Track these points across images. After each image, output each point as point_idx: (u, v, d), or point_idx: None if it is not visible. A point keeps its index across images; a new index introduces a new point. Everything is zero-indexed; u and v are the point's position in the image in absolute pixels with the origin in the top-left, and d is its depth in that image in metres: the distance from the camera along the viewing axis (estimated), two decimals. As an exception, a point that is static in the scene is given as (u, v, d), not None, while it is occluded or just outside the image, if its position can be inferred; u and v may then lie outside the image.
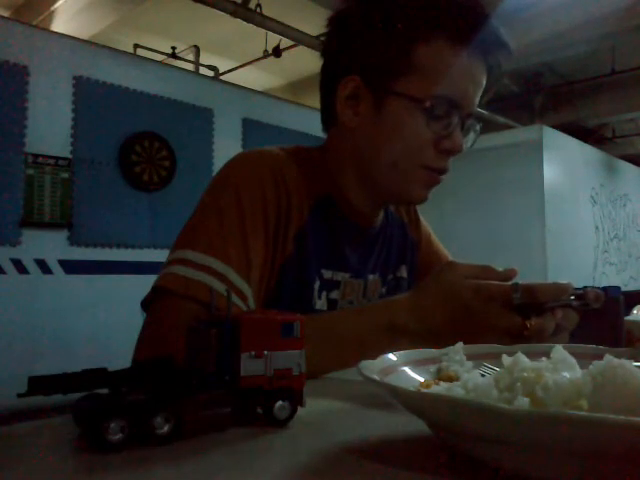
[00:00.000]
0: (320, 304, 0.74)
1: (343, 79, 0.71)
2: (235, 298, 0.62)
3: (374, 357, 0.41)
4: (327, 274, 0.74)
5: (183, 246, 0.65)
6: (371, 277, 0.82)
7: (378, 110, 0.70)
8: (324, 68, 0.76)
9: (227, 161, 0.74)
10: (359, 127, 0.72)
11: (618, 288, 0.74)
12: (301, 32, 3.99)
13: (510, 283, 0.59)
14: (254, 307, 0.66)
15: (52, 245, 2.89)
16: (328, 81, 0.75)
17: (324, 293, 0.74)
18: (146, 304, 0.67)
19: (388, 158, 0.71)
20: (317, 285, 0.73)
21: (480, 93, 0.73)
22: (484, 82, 0.73)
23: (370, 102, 0.70)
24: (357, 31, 0.71)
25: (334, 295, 0.75)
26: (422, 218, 0.97)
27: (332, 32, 0.75)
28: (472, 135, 0.75)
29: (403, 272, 0.89)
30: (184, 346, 0.43)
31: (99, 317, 2.90)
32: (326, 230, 0.75)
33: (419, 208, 0.97)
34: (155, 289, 0.65)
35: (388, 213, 0.88)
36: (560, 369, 0.37)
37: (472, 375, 0.39)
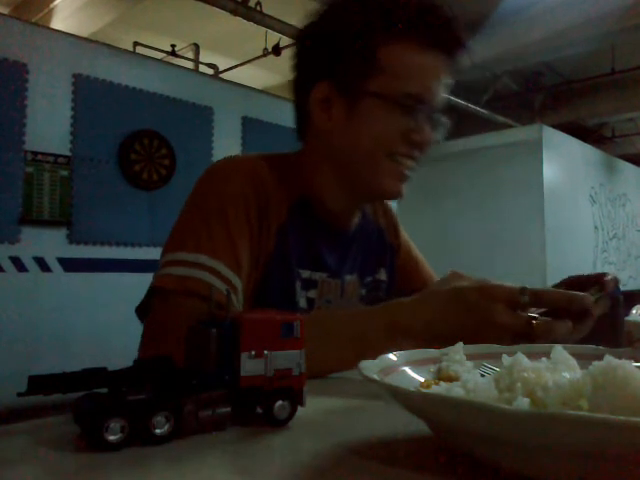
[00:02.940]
0: (301, 302, 0.76)
1: (315, 85, 0.75)
2: (218, 281, 0.64)
3: (374, 357, 0.41)
4: (305, 274, 0.77)
5: (173, 249, 0.68)
6: (348, 278, 0.84)
7: (350, 111, 0.74)
8: (296, 77, 0.80)
9: (207, 167, 0.78)
10: (333, 129, 0.76)
11: (618, 288, 0.74)
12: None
13: (518, 286, 0.59)
14: (242, 301, 0.68)
15: (51, 243, 2.89)
16: (300, 88, 0.79)
17: (303, 292, 0.76)
18: (141, 309, 0.68)
19: (361, 154, 0.74)
20: (298, 284, 0.75)
21: (442, 88, 0.76)
22: (445, 77, 0.77)
23: (342, 104, 0.74)
24: (325, 38, 0.76)
25: (312, 294, 0.78)
26: (402, 229, 1.00)
27: (301, 41, 0.79)
28: (442, 128, 0.78)
29: (382, 275, 0.91)
30: (184, 345, 0.43)
31: (98, 315, 2.90)
32: (303, 231, 0.77)
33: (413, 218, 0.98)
34: (151, 293, 0.67)
35: (364, 218, 0.90)
36: (560, 369, 0.37)
37: (472, 375, 0.39)
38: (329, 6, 0.76)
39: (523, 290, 0.58)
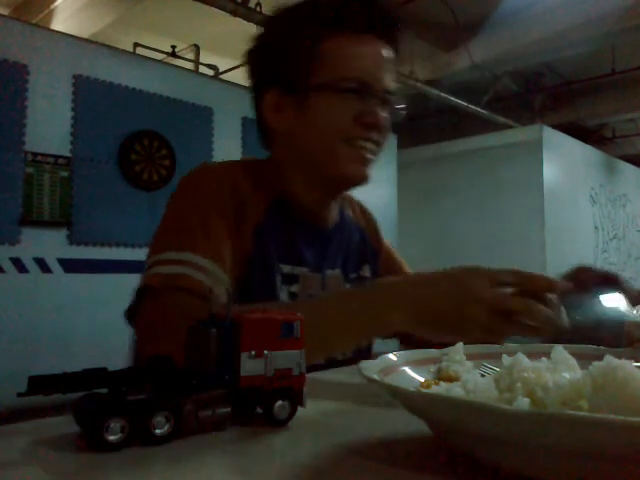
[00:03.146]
0: (283, 297, 0.78)
1: (265, 94, 0.80)
2: (218, 287, 0.66)
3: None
4: (286, 269, 0.79)
5: (158, 250, 0.70)
6: (330, 272, 0.86)
7: (301, 109, 0.78)
8: (250, 91, 0.84)
9: (184, 176, 0.81)
10: (290, 130, 0.80)
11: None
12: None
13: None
14: (226, 280, 0.69)
15: (51, 244, 2.89)
16: (255, 100, 0.84)
17: (285, 287, 0.79)
18: (130, 312, 0.70)
19: (319, 146, 0.78)
20: (279, 279, 0.78)
21: (391, 68, 0.80)
22: (390, 58, 0.80)
23: (292, 105, 0.78)
24: (266, 49, 0.82)
25: (294, 289, 0.80)
26: (383, 235, 1.02)
27: (247, 57, 0.84)
28: (395, 108, 0.81)
29: (366, 272, 0.93)
30: (184, 345, 0.43)
31: (98, 315, 2.89)
32: (282, 229, 0.80)
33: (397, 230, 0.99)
34: (140, 294, 0.68)
35: (344, 217, 0.93)
36: (560, 369, 0.37)
37: (472, 375, 0.39)
38: (267, 20, 0.83)
39: (505, 270, 0.59)
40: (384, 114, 0.77)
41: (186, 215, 0.73)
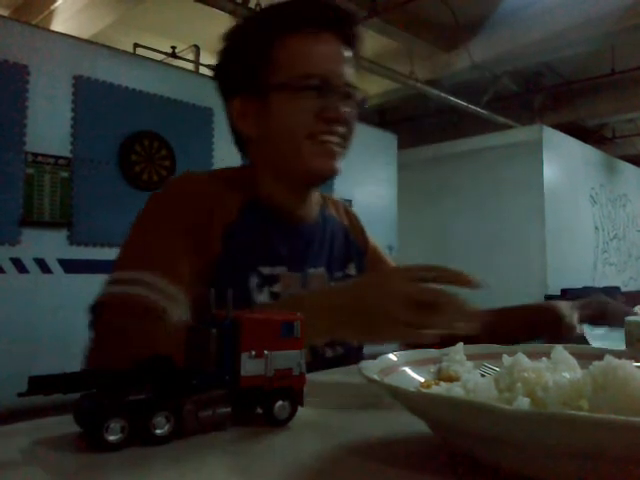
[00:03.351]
0: (262, 298, 0.79)
1: (232, 101, 0.83)
2: (165, 300, 0.68)
3: None
4: (266, 270, 0.81)
5: (119, 267, 0.73)
6: (312, 270, 0.87)
7: (263, 112, 0.80)
8: (222, 101, 0.87)
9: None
10: (258, 134, 0.83)
11: (618, 288, 0.75)
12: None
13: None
14: (183, 299, 0.71)
15: (52, 244, 2.89)
16: (225, 109, 0.86)
17: (266, 288, 0.80)
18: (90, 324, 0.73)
19: (283, 144, 0.80)
20: (255, 281, 0.79)
21: (350, 63, 0.82)
22: (348, 53, 0.82)
23: (255, 110, 0.81)
24: (226, 60, 0.85)
25: (276, 289, 0.81)
26: (369, 234, 1.03)
27: (215, 70, 0.87)
28: (355, 100, 0.82)
29: (352, 270, 0.94)
30: (184, 344, 0.43)
31: (99, 316, 2.89)
32: (258, 230, 0.82)
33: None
34: (94, 309, 0.72)
35: (325, 215, 0.94)
36: (560, 369, 0.37)
37: (472, 375, 0.39)
38: (227, 32, 0.85)
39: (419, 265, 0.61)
40: (346, 107, 0.79)
41: (148, 234, 0.76)
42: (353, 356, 0.87)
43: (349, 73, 0.81)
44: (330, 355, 0.84)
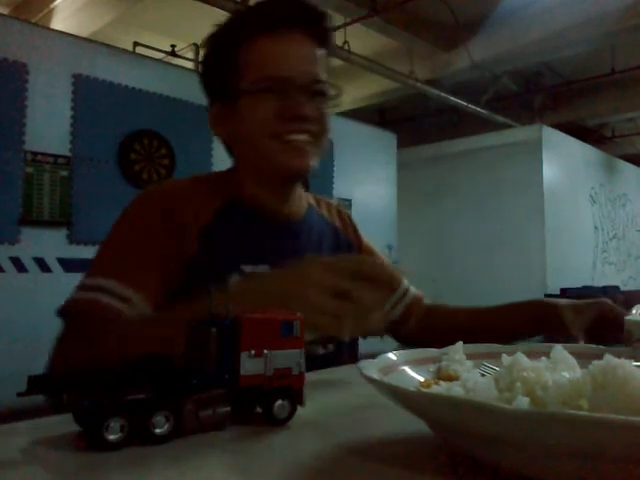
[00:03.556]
0: None
1: (211, 108, 0.87)
2: (120, 303, 0.71)
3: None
4: (248, 268, 0.81)
5: (89, 274, 0.76)
6: None
7: (234, 116, 0.82)
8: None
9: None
10: (233, 137, 0.86)
11: (617, 287, 0.75)
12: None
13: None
14: (146, 308, 0.73)
15: (51, 243, 2.88)
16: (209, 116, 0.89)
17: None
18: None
19: (253, 146, 0.82)
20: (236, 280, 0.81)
21: (318, 60, 0.82)
22: (316, 50, 0.83)
23: (228, 114, 0.83)
24: (204, 65, 0.89)
25: None
26: (362, 232, 1.04)
27: (199, 77, 0.90)
28: (326, 98, 0.83)
29: None
30: (185, 344, 0.43)
31: (98, 315, 2.89)
32: (237, 229, 0.83)
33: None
34: (61, 313, 0.76)
35: (312, 214, 0.95)
36: (560, 369, 0.37)
37: (472, 375, 0.39)
38: (203, 42, 0.87)
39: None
40: (312, 105, 0.79)
41: (119, 242, 0.79)
42: (346, 354, 0.87)
43: (317, 70, 0.82)
44: (321, 353, 0.84)
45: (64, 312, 0.75)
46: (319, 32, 0.83)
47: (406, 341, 0.99)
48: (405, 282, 1.01)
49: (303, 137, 0.80)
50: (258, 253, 0.83)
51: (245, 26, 0.82)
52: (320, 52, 0.83)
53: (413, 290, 1.01)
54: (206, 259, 0.78)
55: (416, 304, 0.99)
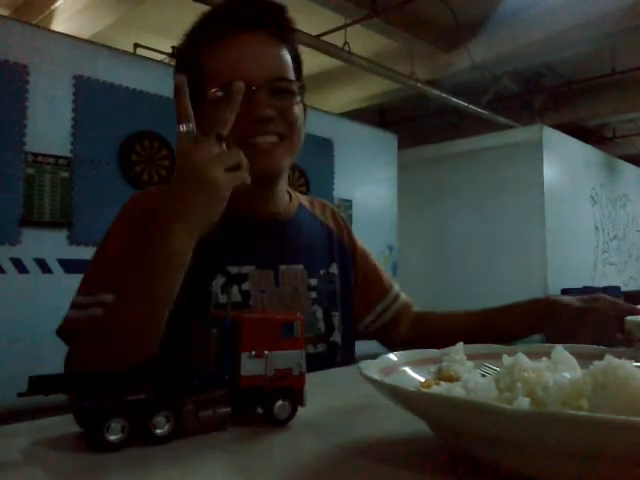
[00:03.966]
0: (224, 298, 0.80)
1: None
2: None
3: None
4: (233, 269, 0.82)
5: (82, 289, 0.79)
6: (283, 267, 0.87)
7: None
8: None
9: None
10: None
11: (618, 288, 0.75)
12: (300, 32, 3.98)
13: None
14: None
15: (52, 244, 2.89)
16: None
17: (235, 287, 0.82)
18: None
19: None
20: (220, 282, 0.81)
21: (279, 56, 0.82)
22: (276, 47, 0.82)
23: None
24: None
25: (246, 287, 0.82)
26: (357, 236, 1.04)
27: None
28: (291, 95, 0.82)
29: (334, 269, 0.95)
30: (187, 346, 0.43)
31: (99, 316, 2.89)
32: (220, 232, 0.81)
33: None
34: (61, 333, 0.79)
35: (302, 213, 0.95)
36: (560, 369, 0.37)
37: (473, 375, 0.39)
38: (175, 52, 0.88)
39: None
40: (273, 104, 0.78)
41: (109, 254, 0.80)
42: (338, 354, 0.87)
43: (278, 69, 0.81)
44: (311, 352, 0.84)
45: (63, 333, 0.78)
46: (279, 29, 0.82)
47: (394, 346, 0.99)
48: (396, 287, 1.02)
49: (270, 138, 0.79)
50: (243, 253, 0.84)
51: (204, 32, 0.82)
52: (282, 49, 0.82)
53: (404, 296, 1.01)
54: (191, 262, 0.77)
55: (405, 310, 0.99)
